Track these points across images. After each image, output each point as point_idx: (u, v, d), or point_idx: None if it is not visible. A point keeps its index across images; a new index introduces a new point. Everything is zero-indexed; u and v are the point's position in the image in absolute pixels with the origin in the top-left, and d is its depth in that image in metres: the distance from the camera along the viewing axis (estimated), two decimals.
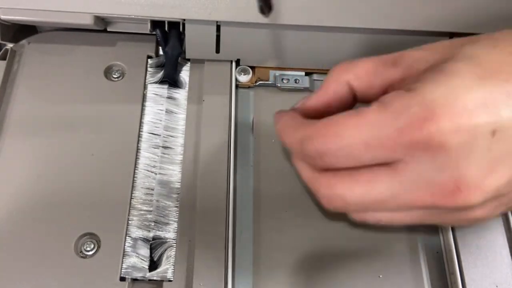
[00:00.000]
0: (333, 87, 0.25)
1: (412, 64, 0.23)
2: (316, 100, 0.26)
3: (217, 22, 0.32)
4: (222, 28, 0.32)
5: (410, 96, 0.20)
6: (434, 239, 0.30)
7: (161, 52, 0.36)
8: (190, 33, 0.33)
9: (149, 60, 0.35)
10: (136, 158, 0.31)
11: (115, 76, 0.34)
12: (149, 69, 0.35)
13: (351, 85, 0.25)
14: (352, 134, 0.21)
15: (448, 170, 0.20)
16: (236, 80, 0.34)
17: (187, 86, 0.34)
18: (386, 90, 0.24)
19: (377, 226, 0.24)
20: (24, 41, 0.35)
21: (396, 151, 0.20)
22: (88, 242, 0.28)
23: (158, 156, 0.32)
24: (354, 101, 0.26)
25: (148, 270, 0.28)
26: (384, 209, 0.22)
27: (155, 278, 0.28)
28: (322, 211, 0.30)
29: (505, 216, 0.30)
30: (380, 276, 0.29)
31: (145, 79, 0.34)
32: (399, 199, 0.21)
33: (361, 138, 0.20)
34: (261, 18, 0.30)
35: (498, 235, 0.29)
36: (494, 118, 0.19)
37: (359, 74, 0.24)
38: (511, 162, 0.20)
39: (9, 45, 0.34)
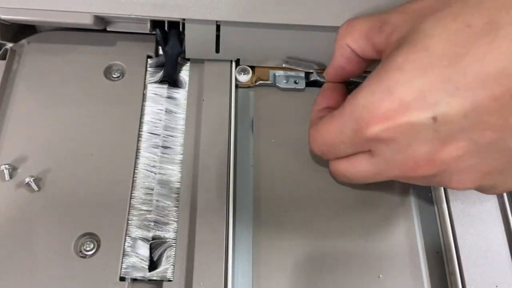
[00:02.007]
0: (339, 52, 0.29)
1: (391, 33, 0.25)
2: (332, 67, 0.30)
3: (217, 22, 0.32)
4: (222, 28, 0.32)
5: (355, 101, 0.24)
6: (434, 239, 0.30)
7: (161, 52, 0.36)
8: (190, 33, 0.32)
9: (149, 60, 0.35)
10: (136, 158, 0.31)
11: (115, 75, 0.34)
12: (149, 68, 0.35)
13: (351, 47, 0.28)
14: (328, 137, 0.26)
15: (405, 153, 0.24)
16: (236, 80, 0.34)
17: (187, 86, 0.34)
18: (378, 52, 0.27)
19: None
20: (24, 41, 0.35)
21: (363, 145, 0.25)
22: (88, 242, 0.28)
23: (157, 156, 0.32)
24: (364, 60, 0.29)
25: (147, 270, 0.28)
26: (374, 180, 0.27)
27: (155, 278, 0.28)
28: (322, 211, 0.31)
29: (505, 216, 0.30)
30: (380, 276, 0.29)
31: (145, 78, 0.34)
32: (380, 176, 0.26)
33: (336, 139, 0.26)
34: (261, 18, 0.30)
35: (498, 235, 0.29)
36: (431, 108, 0.22)
37: (356, 38, 0.27)
38: (466, 136, 0.22)
39: (9, 45, 0.34)
